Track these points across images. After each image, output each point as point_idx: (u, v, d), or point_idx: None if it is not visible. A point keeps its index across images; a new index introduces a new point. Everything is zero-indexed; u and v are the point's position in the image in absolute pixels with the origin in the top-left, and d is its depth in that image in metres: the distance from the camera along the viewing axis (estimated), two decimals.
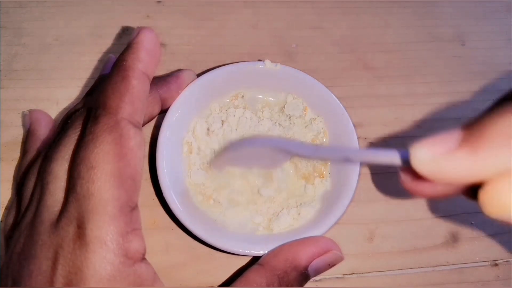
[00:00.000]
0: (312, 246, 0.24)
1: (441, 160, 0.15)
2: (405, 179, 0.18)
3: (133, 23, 0.33)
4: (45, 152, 0.23)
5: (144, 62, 0.22)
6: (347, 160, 0.21)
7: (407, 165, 0.16)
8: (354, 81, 0.33)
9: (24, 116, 0.29)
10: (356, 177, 0.26)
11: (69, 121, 0.23)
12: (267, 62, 0.29)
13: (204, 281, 0.27)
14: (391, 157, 0.18)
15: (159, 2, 0.35)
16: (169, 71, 0.32)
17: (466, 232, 0.29)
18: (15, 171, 0.28)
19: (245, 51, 0.33)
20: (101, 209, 0.19)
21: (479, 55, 0.35)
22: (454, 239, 0.29)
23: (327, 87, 0.29)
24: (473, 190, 0.17)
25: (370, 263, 0.28)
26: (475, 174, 0.14)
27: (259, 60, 0.29)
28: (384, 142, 0.31)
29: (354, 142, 0.27)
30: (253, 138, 0.28)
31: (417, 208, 0.29)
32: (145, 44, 0.23)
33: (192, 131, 0.28)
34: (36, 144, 0.26)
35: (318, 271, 0.24)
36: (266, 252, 0.24)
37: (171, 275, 0.26)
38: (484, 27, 0.37)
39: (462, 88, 0.34)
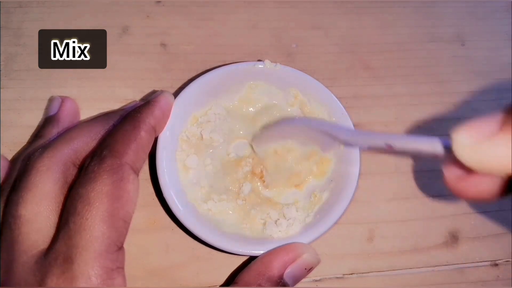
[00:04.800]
0: (283, 254, 0.24)
1: (482, 145, 0.14)
2: (449, 178, 0.16)
3: (133, 23, 0.33)
4: (11, 189, 0.22)
5: (156, 119, 0.24)
6: (387, 146, 0.19)
7: (448, 153, 0.15)
8: (354, 81, 0.33)
9: (53, 100, 0.29)
10: (356, 178, 0.26)
11: (28, 162, 0.23)
12: (267, 62, 0.29)
13: (204, 281, 0.27)
14: (433, 145, 0.17)
15: (159, 2, 0.35)
16: (169, 71, 0.32)
17: (466, 232, 0.29)
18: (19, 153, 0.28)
19: (245, 51, 0.33)
20: (90, 245, 0.19)
21: (479, 55, 0.35)
22: (454, 239, 0.29)
23: (327, 87, 0.29)
24: None
25: (370, 263, 0.28)
26: None
27: (259, 60, 0.29)
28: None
29: None
30: (292, 119, 0.28)
31: (417, 208, 0.29)
32: (161, 104, 0.25)
33: (190, 131, 0.28)
34: (54, 133, 0.26)
35: (295, 278, 0.24)
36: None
37: (171, 275, 0.26)
38: (484, 27, 0.37)
39: (462, 88, 0.34)
